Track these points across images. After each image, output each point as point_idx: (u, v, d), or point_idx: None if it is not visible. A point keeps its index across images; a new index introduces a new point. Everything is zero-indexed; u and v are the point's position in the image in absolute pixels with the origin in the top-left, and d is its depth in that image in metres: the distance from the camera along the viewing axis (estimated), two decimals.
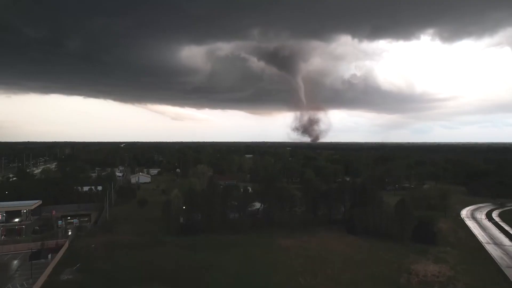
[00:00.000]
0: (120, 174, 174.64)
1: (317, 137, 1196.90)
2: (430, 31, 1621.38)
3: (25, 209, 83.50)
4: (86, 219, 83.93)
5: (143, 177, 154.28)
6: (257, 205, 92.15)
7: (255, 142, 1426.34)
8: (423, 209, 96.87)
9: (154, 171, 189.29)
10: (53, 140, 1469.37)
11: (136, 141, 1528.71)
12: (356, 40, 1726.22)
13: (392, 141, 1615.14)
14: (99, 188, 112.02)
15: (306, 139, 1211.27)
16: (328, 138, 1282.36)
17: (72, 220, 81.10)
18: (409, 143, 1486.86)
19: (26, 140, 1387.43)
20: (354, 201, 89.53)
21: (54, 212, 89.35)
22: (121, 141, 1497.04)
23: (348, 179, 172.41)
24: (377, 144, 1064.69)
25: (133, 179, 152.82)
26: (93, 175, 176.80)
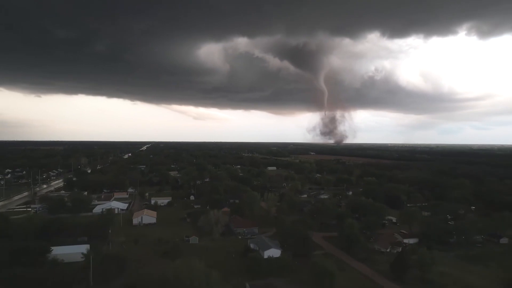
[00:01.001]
0: (124, 208, 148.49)
1: (341, 140, 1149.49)
2: (468, 25, 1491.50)
3: None
4: None
5: (147, 217, 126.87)
6: None
7: (278, 143, 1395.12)
8: None
9: (163, 201, 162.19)
10: (79, 140, 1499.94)
11: (159, 141, 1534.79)
12: (384, 37, 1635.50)
13: (418, 143, 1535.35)
14: (85, 249, 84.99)
15: (328, 140, 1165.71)
16: (351, 138, 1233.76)
17: None
18: (438, 145, 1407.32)
19: (55, 140, 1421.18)
20: None
21: None
22: (145, 141, 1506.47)
23: (394, 219, 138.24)
24: (405, 147, 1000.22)
25: (136, 220, 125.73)
26: (96, 204, 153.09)
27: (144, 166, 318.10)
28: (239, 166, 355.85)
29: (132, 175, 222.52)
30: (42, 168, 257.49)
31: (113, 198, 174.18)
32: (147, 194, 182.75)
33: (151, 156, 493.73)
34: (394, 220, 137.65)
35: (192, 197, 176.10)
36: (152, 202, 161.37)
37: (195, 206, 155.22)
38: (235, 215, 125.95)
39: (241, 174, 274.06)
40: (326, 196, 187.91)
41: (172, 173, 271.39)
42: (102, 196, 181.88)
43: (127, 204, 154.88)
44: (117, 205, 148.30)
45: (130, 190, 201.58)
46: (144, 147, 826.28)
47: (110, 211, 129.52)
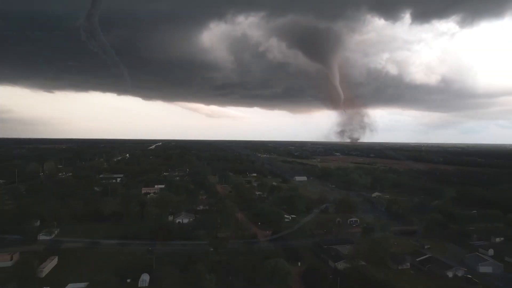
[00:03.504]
0: None
1: (357, 138, 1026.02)
2: None
3: None
4: None
5: None
6: None
7: (294, 142, 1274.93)
8: None
9: None
10: (95, 138, 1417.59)
11: (172, 139, 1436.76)
12: (413, 21, 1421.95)
13: (437, 142, 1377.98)
14: None
15: (345, 138, 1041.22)
16: (368, 137, 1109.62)
17: None
18: (468, 145, 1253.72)
19: (71, 138, 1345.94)
20: None
21: None
22: (158, 139, 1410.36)
23: None
24: (434, 147, 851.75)
25: None
26: None
27: (122, 176, 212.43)
28: (254, 175, 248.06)
29: (50, 204, 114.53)
30: None
31: None
32: (43, 268, 75.16)
33: (151, 157, 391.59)
34: None
35: (144, 281, 68.42)
36: None
37: None
38: None
39: (258, 193, 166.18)
40: (452, 272, 77.16)
41: (152, 193, 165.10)
42: None
43: None
44: None
45: (42, 236, 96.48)
46: (153, 146, 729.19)
47: None
